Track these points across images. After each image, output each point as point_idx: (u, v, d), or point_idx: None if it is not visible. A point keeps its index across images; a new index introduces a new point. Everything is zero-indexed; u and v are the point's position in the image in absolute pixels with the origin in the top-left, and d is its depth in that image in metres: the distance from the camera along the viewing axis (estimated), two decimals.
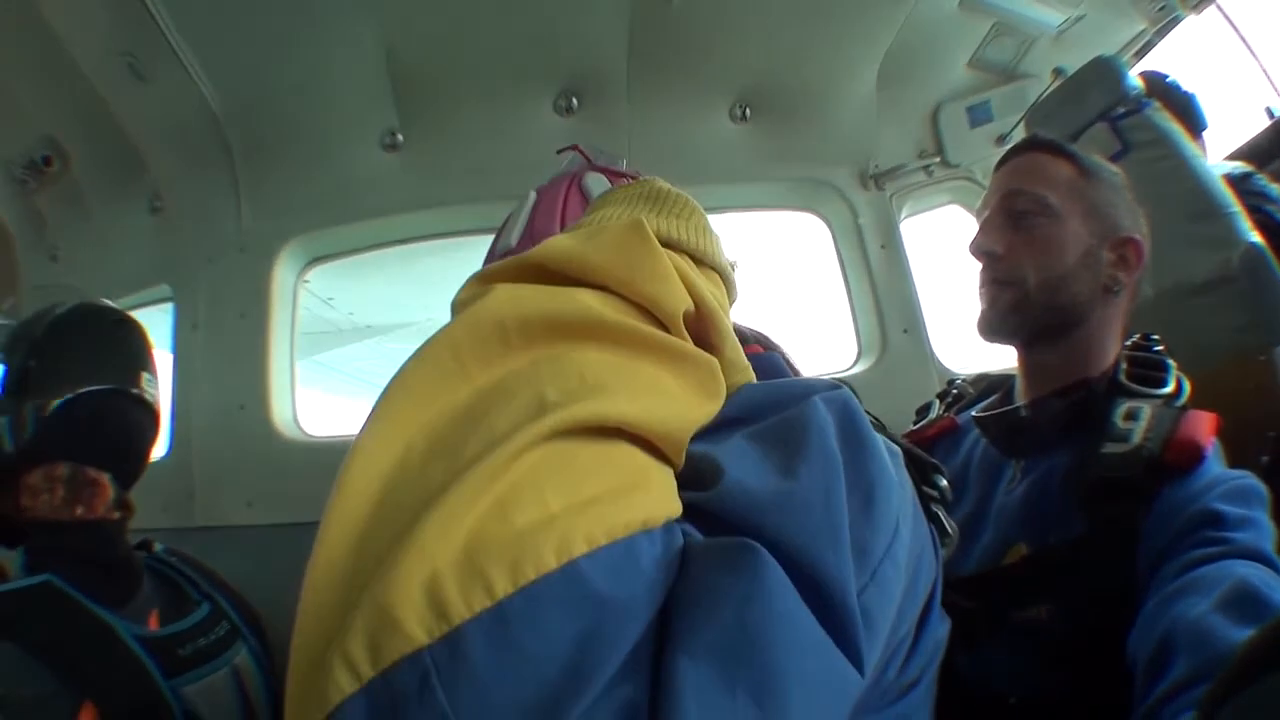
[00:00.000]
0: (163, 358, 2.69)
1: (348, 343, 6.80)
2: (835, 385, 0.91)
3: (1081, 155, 1.72)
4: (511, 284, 0.77)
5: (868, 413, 1.03)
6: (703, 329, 0.89)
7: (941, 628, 1.04)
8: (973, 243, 1.69)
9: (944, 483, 1.08)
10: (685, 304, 0.84)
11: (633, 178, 1.28)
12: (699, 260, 0.97)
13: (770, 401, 0.86)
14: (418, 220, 3.09)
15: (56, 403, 1.64)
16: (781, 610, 0.60)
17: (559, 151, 1.51)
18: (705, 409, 0.79)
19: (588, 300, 0.76)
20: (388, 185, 2.97)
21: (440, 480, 0.57)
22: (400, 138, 2.92)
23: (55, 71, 2.75)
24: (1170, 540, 1.30)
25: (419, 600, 0.49)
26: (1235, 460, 1.47)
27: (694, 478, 0.73)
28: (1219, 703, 0.62)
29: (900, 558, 0.81)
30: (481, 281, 0.80)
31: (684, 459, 0.74)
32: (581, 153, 1.47)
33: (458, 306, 0.78)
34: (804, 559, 0.66)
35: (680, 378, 0.77)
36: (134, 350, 1.80)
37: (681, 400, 0.76)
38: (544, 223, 1.29)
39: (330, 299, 5.48)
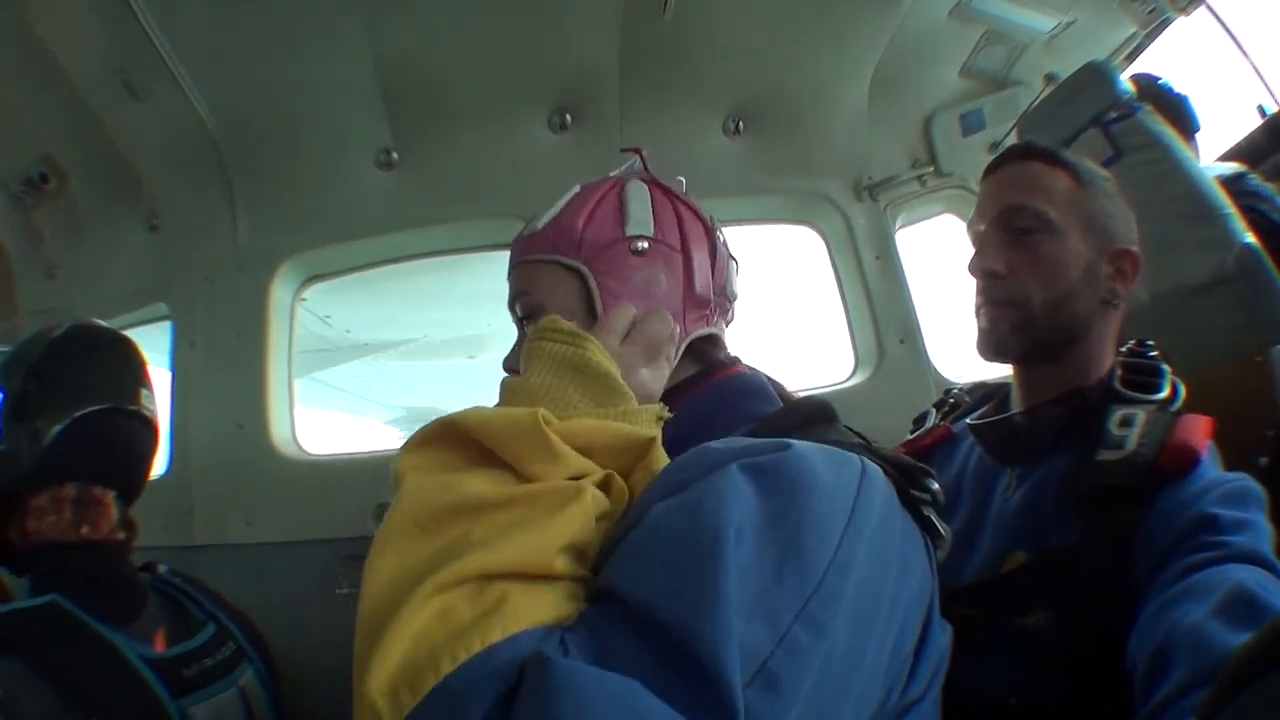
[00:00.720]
0: (161, 376, 2.70)
1: (345, 360, 6.82)
2: (778, 447, 0.95)
3: (1076, 163, 1.71)
4: (418, 473, 0.98)
5: (849, 429, 1.21)
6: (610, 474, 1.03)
7: (943, 637, 1.06)
8: (972, 262, 1.68)
9: (935, 485, 1.09)
10: (571, 471, 0.98)
11: (685, 203, 1.38)
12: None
13: (677, 482, 0.93)
14: (414, 238, 3.09)
15: (58, 427, 1.64)
16: (574, 706, 0.72)
17: (622, 150, 1.49)
18: (565, 527, 0.91)
19: (475, 486, 0.94)
20: (383, 203, 2.97)
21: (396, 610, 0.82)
22: (395, 156, 2.92)
23: (52, 89, 2.76)
24: (1167, 545, 1.30)
25: (384, 698, 0.77)
26: (1233, 462, 1.48)
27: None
28: (1219, 704, 0.62)
29: (836, 603, 0.85)
30: (411, 449, 1.02)
31: (570, 567, 0.91)
32: (642, 160, 1.46)
33: (393, 476, 1.01)
34: (677, 637, 0.77)
35: (547, 514, 0.91)
36: (132, 368, 1.80)
37: (541, 532, 0.90)
38: (569, 217, 1.31)
39: (327, 317, 5.50)
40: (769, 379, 1.38)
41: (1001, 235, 1.66)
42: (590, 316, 1.25)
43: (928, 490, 1.07)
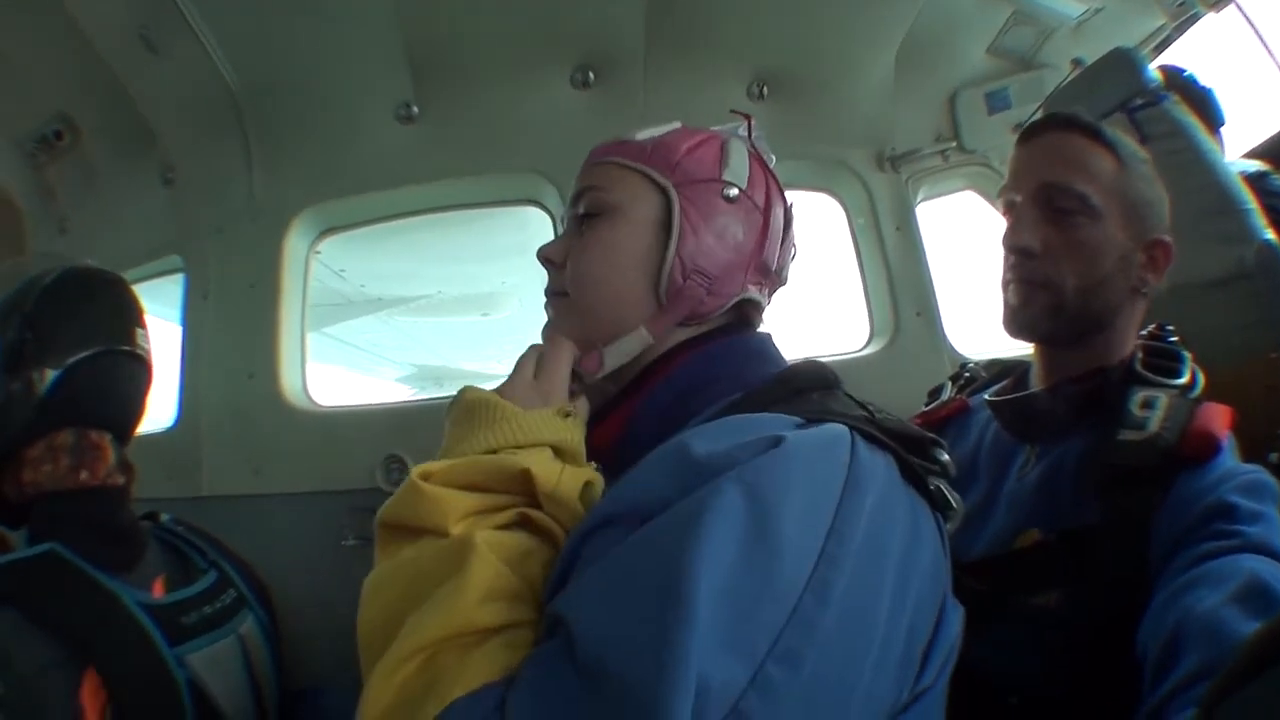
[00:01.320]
0: (173, 330, 2.68)
1: (359, 315, 6.82)
2: (763, 448, 0.93)
3: (1119, 142, 1.64)
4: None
5: (851, 397, 1.18)
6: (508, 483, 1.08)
7: (956, 621, 1.05)
8: (1006, 236, 1.63)
9: (944, 456, 1.08)
10: (462, 512, 1.03)
11: (775, 178, 1.39)
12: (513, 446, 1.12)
13: (654, 499, 0.93)
14: (431, 192, 3.09)
15: (54, 374, 1.62)
16: None
17: (731, 111, 1.50)
18: (475, 580, 0.94)
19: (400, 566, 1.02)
20: (401, 157, 2.97)
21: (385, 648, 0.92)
22: (415, 110, 2.91)
23: (68, 46, 2.76)
24: (1183, 531, 1.29)
25: None
26: (1247, 457, 1.46)
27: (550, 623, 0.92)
28: (1225, 693, 0.62)
29: (814, 629, 0.84)
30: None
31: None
32: (749, 125, 1.46)
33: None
34: (627, 692, 0.77)
35: (448, 575, 0.96)
36: (126, 308, 1.77)
37: (453, 594, 0.93)
38: (672, 140, 1.32)
39: (342, 270, 5.51)
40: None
41: (1039, 212, 1.60)
42: (665, 233, 1.25)
43: (937, 461, 1.06)
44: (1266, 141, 3.63)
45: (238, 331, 2.90)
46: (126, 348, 1.72)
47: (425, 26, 2.73)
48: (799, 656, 0.82)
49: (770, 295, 1.40)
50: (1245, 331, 2.13)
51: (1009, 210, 1.66)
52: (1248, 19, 3.78)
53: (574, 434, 1.16)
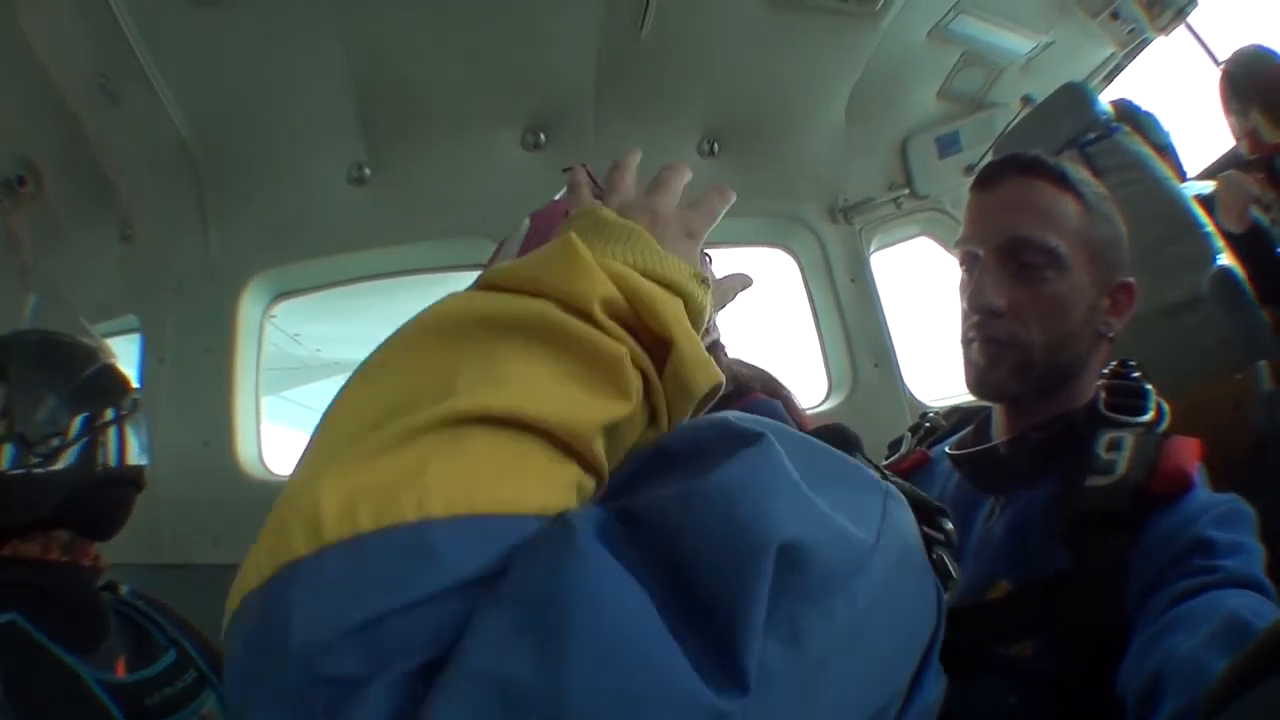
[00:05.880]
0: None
1: (315, 379, 6.83)
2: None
3: (1082, 183, 1.63)
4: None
5: (868, 460, 1.03)
6: (643, 322, 0.86)
7: (935, 689, 0.94)
8: (972, 295, 1.57)
9: (949, 525, 0.99)
10: (603, 294, 0.81)
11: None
12: (646, 274, 0.90)
13: (704, 440, 0.75)
14: (385, 256, 3.12)
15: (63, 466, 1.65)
16: (588, 574, 0.60)
17: (563, 170, 1.28)
18: (611, 408, 0.78)
19: (526, 306, 0.80)
20: (354, 220, 3.00)
21: (363, 440, 0.68)
22: (367, 171, 2.95)
23: (32, 91, 2.78)
24: (1160, 571, 1.29)
25: (306, 522, 0.60)
26: (1217, 481, 1.48)
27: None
28: (1221, 704, 0.64)
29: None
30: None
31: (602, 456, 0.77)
32: (589, 173, 1.25)
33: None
34: (708, 598, 0.63)
35: (589, 372, 0.78)
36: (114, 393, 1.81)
37: (582, 397, 0.76)
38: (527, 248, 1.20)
39: (297, 335, 5.51)
40: (790, 402, 1.32)
41: (1004, 268, 1.56)
42: None
43: (942, 530, 0.98)
44: (1218, 161, 3.74)
45: (193, 398, 2.91)
46: (133, 464, 1.79)
47: (378, 84, 2.79)
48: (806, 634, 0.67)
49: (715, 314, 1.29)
50: (1207, 354, 2.20)
51: (968, 261, 1.64)
52: (1198, 38, 3.90)
53: (708, 313, 0.98)
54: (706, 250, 1.24)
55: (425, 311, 0.80)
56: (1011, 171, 1.62)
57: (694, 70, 2.97)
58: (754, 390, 1.29)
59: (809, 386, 3.31)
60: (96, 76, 2.69)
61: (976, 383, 1.60)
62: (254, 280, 3.03)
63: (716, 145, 3.17)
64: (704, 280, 0.98)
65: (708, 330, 1.10)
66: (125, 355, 2.86)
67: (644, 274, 0.89)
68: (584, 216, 0.98)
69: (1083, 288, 1.57)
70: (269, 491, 2.75)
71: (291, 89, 2.77)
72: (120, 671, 1.66)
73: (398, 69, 2.78)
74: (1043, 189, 1.59)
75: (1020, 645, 1.39)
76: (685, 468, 0.72)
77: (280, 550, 0.60)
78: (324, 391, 7.41)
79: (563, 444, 0.73)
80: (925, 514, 0.96)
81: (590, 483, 0.76)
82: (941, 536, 0.97)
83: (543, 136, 2.99)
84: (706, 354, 0.90)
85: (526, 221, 1.29)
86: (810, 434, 1.02)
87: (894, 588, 0.78)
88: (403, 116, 2.90)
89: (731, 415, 0.78)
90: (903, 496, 0.88)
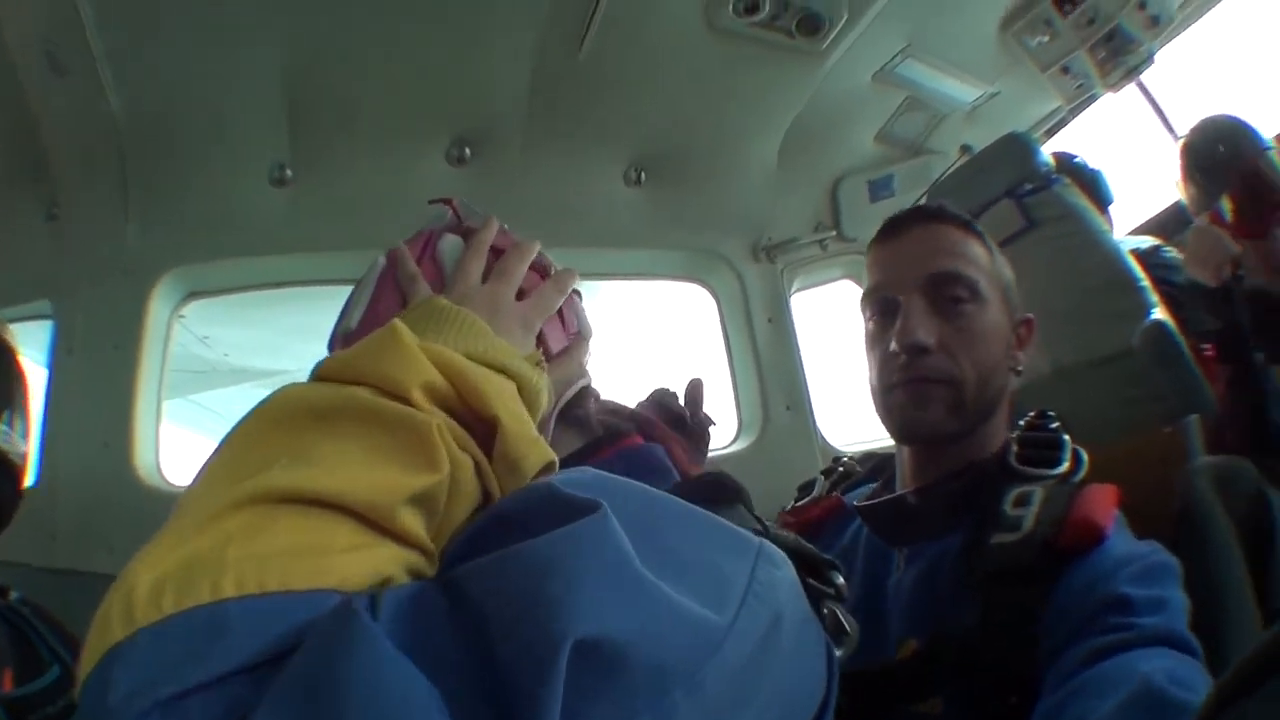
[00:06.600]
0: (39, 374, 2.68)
1: (223, 385, 6.77)
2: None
3: (981, 230, 1.78)
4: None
5: (750, 511, 1.08)
6: (469, 404, 0.94)
7: None
8: (898, 336, 1.63)
9: (840, 580, 1.02)
10: (424, 378, 0.90)
11: (498, 252, 1.26)
12: (476, 358, 1.00)
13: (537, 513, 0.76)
14: (300, 263, 3.15)
15: None
16: (362, 664, 0.62)
17: (430, 203, 1.39)
18: (416, 479, 0.83)
19: (334, 390, 0.89)
20: (272, 222, 3.03)
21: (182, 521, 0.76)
22: (289, 173, 2.97)
23: None
24: (1073, 627, 1.31)
25: (123, 608, 0.67)
26: (1142, 533, 1.52)
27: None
28: (1220, 707, 0.66)
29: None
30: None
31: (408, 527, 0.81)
32: (453, 208, 1.35)
33: None
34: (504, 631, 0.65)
35: (397, 447, 0.84)
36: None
37: (387, 471, 0.82)
38: (388, 304, 1.21)
39: (206, 337, 5.50)
40: (673, 443, 1.34)
41: (927, 305, 1.65)
42: None
43: (832, 584, 1.01)
44: (1156, 216, 3.97)
45: (97, 395, 2.90)
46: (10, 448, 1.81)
47: (311, 86, 2.81)
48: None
49: (585, 358, 1.34)
50: (1132, 407, 2.29)
51: (880, 309, 1.73)
52: (1149, 96, 4.09)
53: (544, 395, 1.08)
54: (577, 290, 1.34)
55: (263, 401, 0.88)
56: (919, 219, 1.76)
57: (629, 95, 3.03)
58: (629, 436, 1.30)
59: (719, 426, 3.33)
60: (46, 43, 2.69)
61: (906, 426, 1.69)
62: (167, 276, 3.03)
63: (644, 174, 3.26)
64: (538, 363, 1.08)
65: (573, 382, 1.25)
66: (39, 340, 2.95)
67: (475, 359, 0.99)
68: (420, 307, 1.08)
69: (1000, 322, 1.70)
70: (163, 500, 2.86)
71: (226, 82, 2.79)
72: (7, 685, 1.70)
73: (331, 72, 2.81)
74: (950, 232, 1.73)
75: (930, 703, 1.43)
76: (510, 535, 0.73)
77: (106, 636, 0.66)
78: (232, 398, 7.44)
79: (369, 520, 0.78)
80: (812, 568, 0.99)
81: (418, 559, 0.82)
82: (831, 591, 1.00)
83: (468, 151, 3.04)
84: (536, 434, 0.98)
85: (381, 260, 1.28)
86: (688, 485, 1.15)
87: (765, 662, 0.77)
88: (330, 121, 2.94)
89: (563, 480, 0.79)
90: (780, 554, 0.88)
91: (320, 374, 0.92)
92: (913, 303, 1.65)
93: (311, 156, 2.99)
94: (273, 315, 4.70)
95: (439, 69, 2.86)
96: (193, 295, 3.21)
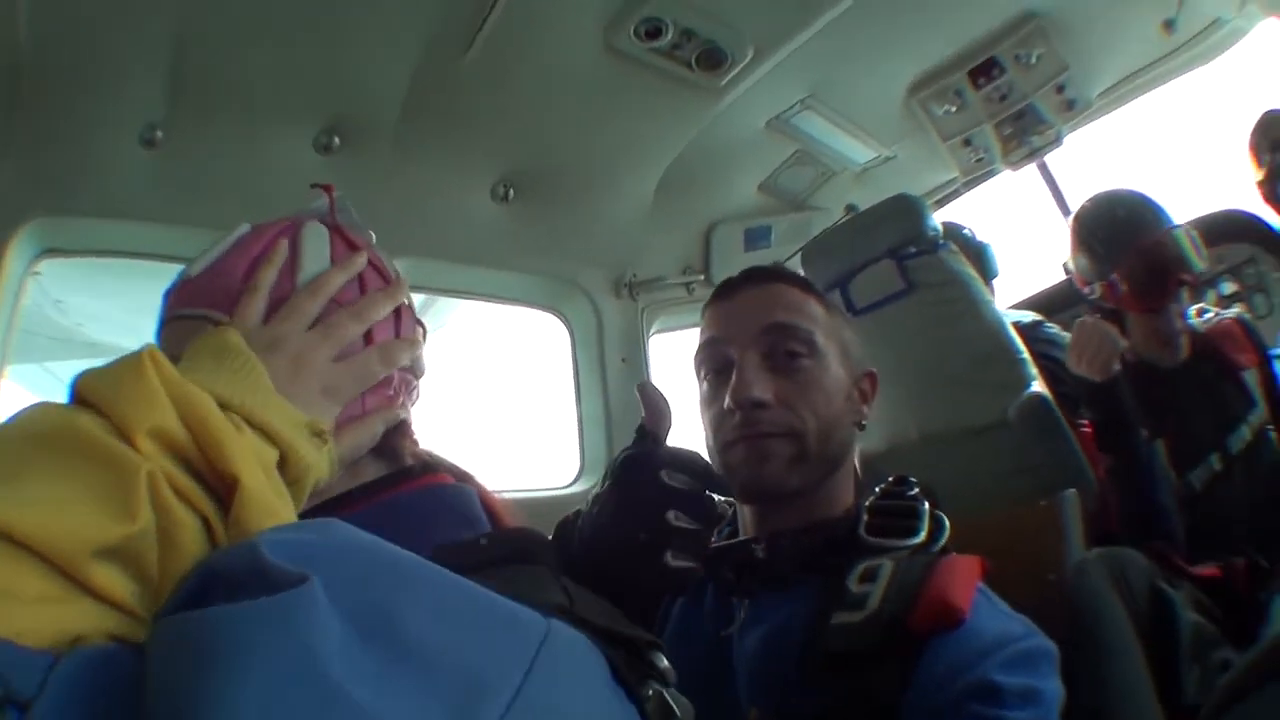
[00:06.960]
0: None
1: (76, 357, 6.27)
2: None
3: (819, 292, 1.83)
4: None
5: (553, 576, 1.02)
6: (208, 458, 0.89)
7: None
8: (734, 392, 1.65)
9: (664, 663, 0.98)
10: (156, 422, 0.85)
11: (373, 261, 1.28)
12: (244, 415, 0.96)
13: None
14: (161, 235, 3.07)
15: None
16: None
17: (312, 187, 1.37)
18: (107, 529, 0.77)
19: (60, 413, 0.84)
20: (138, 185, 2.96)
21: None
22: (159, 134, 2.89)
23: None
24: (935, 713, 1.31)
25: None
26: (1018, 603, 1.52)
27: None
28: (1224, 707, 0.68)
29: None
30: None
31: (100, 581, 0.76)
32: (330, 198, 1.35)
33: None
34: None
35: (101, 489, 0.79)
36: None
37: (83, 514, 0.76)
38: (231, 262, 1.20)
39: (59, 301, 5.34)
40: (484, 494, 1.30)
41: (763, 360, 1.68)
42: None
43: (654, 667, 0.97)
44: (1040, 293, 4.12)
45: None
46: None
47: (195, 51, 2.75)
48: None
49: (410, 399, 1.32)
50: (1007, 478, 2.35)
51: (715, 365, 1.77)
52: (1048, 177, 4.16)
53: (323, 467, 1.05)
54: (421, 320, 1.35)
55: (12, 415, 0.83)
56: (755, 279, 1.80)
57: (511, 107, 3.04)
58: (438, 474, 1.28)
59: (557, 465, 3.39)
60: None
61: (748, 484, 1.68)
62: (28, 225, 2.93)
63: (512, 191, 3.26)
64: (320, 433, 1.03)
65: (386, 432, 1.22)
66: None
67: (235, 411, 0.94)
68: (212, 337, 1.04)
69: (839, 375, 1.73)
70: None
71: (114, 33, 2.69)
72: None
73: (219, 39, 2.75)
74: (787, 290, 1.77)
75: None
76: (214, 596, 0.67)
77: None
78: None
79: (60, 569, 0.73)
80: (631, 648, 0.94)
81: (119, 620, 0.77)
82: (655, 672, 0.96)
83: (337, 140, 3.02)
84: (278, 502, 0.92)
85: (245, 226, 1.28)
86: (488, 539, 1.10)
87: None
88: (209, 89, 2.88)
89: (274, 540, 0.69)
90: (579, 638, 0.82)
91: (74, 388, 0.88)
92: (747, 358, 1.68)
93: (185, 123, 2.92)
94: (131, 289, 4.41)
95: (322, 52, 2.82)
96: (50, 252, 3.12)
